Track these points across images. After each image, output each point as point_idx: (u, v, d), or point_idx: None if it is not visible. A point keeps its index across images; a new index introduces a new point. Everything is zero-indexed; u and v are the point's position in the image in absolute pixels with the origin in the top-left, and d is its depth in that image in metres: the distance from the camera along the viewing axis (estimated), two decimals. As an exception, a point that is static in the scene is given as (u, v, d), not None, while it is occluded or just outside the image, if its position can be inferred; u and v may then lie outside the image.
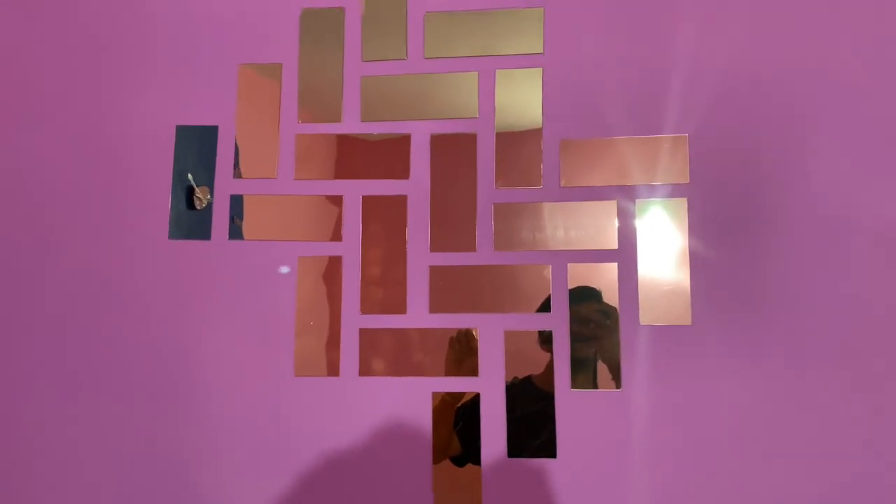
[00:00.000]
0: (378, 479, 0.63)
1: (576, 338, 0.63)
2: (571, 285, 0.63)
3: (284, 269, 0.65)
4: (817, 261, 0.61)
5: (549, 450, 0.62)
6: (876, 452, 0.59)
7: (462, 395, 0.63)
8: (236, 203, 0.67)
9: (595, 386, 0.62)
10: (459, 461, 0.63)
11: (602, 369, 0.62)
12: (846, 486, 0.59)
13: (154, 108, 0.69)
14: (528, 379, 0.63)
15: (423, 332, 0.65)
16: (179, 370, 0.66)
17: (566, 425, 0.62)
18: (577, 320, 0.63)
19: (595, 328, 0.63)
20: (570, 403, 0.62)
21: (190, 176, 0.67)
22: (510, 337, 0.64)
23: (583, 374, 0.62)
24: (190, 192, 0.68)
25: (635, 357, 0.62)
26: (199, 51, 0.70)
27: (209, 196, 0.67)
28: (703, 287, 0.62)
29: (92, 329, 0.67)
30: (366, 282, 0.66)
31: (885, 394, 0.59)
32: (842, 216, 0.61)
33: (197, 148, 0.68)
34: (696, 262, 0.62)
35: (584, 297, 0.63)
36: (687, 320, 0.62)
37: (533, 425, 0.62)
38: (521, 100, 0.66)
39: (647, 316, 0.62)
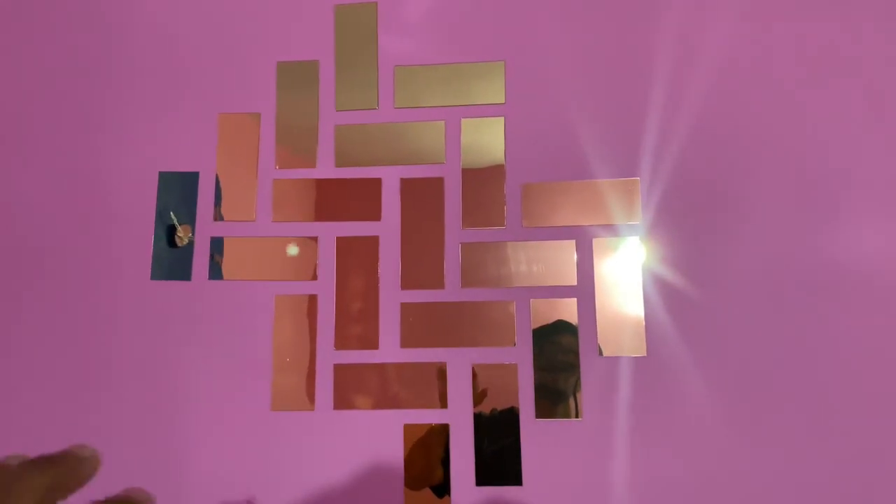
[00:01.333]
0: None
1: (539, 370, 0.66)
2: (535, 320, 0.67)
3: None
4: (767, 297, 0.65)
5: (516, 477, 0.65)
6: (841, 467, 0.63)
7: (433, 426, 0.66)
8: (217, 245, 0.71)
9: (558, 415, 0.65)
10: (431, 490, 0.65)
11: (564, 399, 0.66)
12: (814, 496, 0.63)
13: (137, 155, 0.73)
14: (495, 410, 0.66)
15: (395, 367, 0.68)
16: (159, 405, 0.68)
17: (531, 454, 0.65)
18: (540, 353, 0.66)
19: (557, 361, 0.66)
20: (534, 433, 0.65)
21: (172, 214, 0.71)
22: (478, 370, 0.67)
23: (546, 404, 0.66)
24: (171, 230, 0.71)
25: (595, 387, 0.65)
26: (181, 100, 0.74)
27: (190, 234, 0.70)
28: (656, 320, 0.66)
29: (73, 367, 0.69)
30: (340, 319, 0.69)
31: (846, 412, 0.63)
32: (794, 255, 0.66)
33: (179, 193, 0.72)
34: (650, 297, 0.66)
35: (548, 332, 0.67)
36: (642, 352, 0.66)
37: (500, 454, 0.65)
38: (485, 146, 0.70)
39: (605, 348, 0.66)
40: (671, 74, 0.69)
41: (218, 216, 0.71)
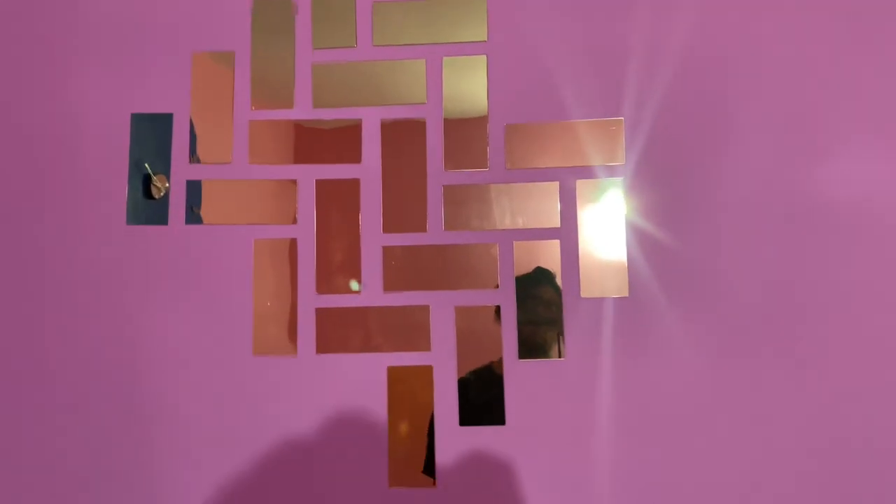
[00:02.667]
0: (336, 451, 0.66)
1: (522, 311, 0.66)
2: (518, 263, 0.67)
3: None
4: (749, 234, 0.65)
5: (499, 417, 0.65)
6: (820, 409, 0.64)
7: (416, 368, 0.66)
8: (193, 188, 0.69)
9: (541, 356, 0.66)
10: (415, 432, 0.66)
11: (547, 340, 0.66)
12: (792, 437, 0.64)
13: (109, 96, 0.70)
14: (478, 351, 0.66)
15: (378, 311, 0.67)
16: (139, 351, 0.68)
17: (514, 394, 0.66)
18: (523, 295, 0.66)
19: (540, 302, 0.66)
20: (517, 373, 0.66)
21: (147, 165, 0.69)
22: (461, 312, 0.67)
23: (529, 345, 0.66)
24: (147, 180, 0.69)
25: (577, 327, 0.66)
26: (153, 40, 0.71)
27: (166, 184, 0.69)
28: (639, 261, 0.66)
29: (48, 315, 0.68)
30: (321, 263, 0.68)
31: (825, 354, 0.64)
32: (775, 192, 0.66)
33: (153, 135, 0.70)
34: (633, 238, 0.66)
35: (530, 274, 0.67)
36: (625, 292, 0.66)
37: (483, 395, 0.66)
38: (468, 86, 0.69)
39: (587, 289, 0.66)
40: (658, 10, 0.68)
41: (194, 158, 0.69)
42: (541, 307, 0.66)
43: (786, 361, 0.64)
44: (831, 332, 0.64)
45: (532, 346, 0.66)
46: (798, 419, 0.64)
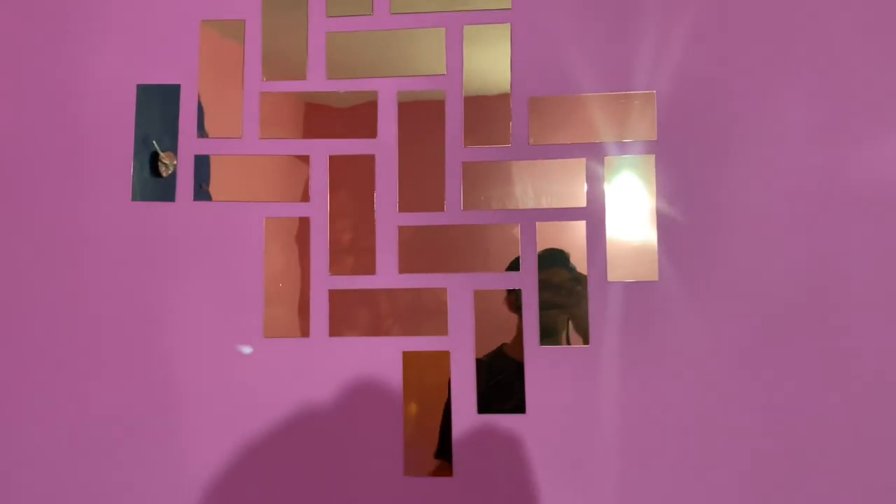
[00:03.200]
0: (349, 439, 0.63)
1: (544, 295, 0.63)
2: (541, 244, 0.63)
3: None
4: (781, 219, 0.62)
5: (519, 406, 0.63)
6: (844, 395, 0.61)
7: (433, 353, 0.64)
8: (201, 163, 0.66)
9: (564, 342, 0.63)
10: (431, 419, 0.63)
11: (570, 326, 0.63)
12: (814, 434, 0.60)
13: (114, 67, 0.67)
14: (498, 337, 0.63)
15: (393, 293, 0.65)
16: (148, 332, 0.65)
17: (535, 382, 0.63)
18: (545, 278, 0.63)
19: (563, 286, 0.63)
20: (539, 360, 0.63)
21: (154, 142, 0.66)
22: (480, 296, 0.64)
23: (552, 330, 0.63)
24: (154, 157, 0.66)
25: (603, 313, 0.62)
26: (160, 7, 0.67)
27: (174, 161, 0.66)
28: (669, 244, 0.62)
29: (56, 293, 0.66)
30: (334, 243, 0.65)
31: (852, 337, 0.61)
32: (810, 175, 0.62)
33: (159, 107, 0.67)
34: (663, 220, 0.63)
35: (553, 256, 0.63)
36: (654, 276, 0.62)
37: (502, 382, 0.63)
38: (490, 57, 0.65)
39: (614, 273, 0.62)
40: (694, -23, 0.63)
41: (202, 133, 0.66)
42: (564, 291, 0.63)
43: (817, 358, 0.61)
44: (863, 328, 0.60)
45: (554, 332, 0.63)
46: (825, 415, 0.60)
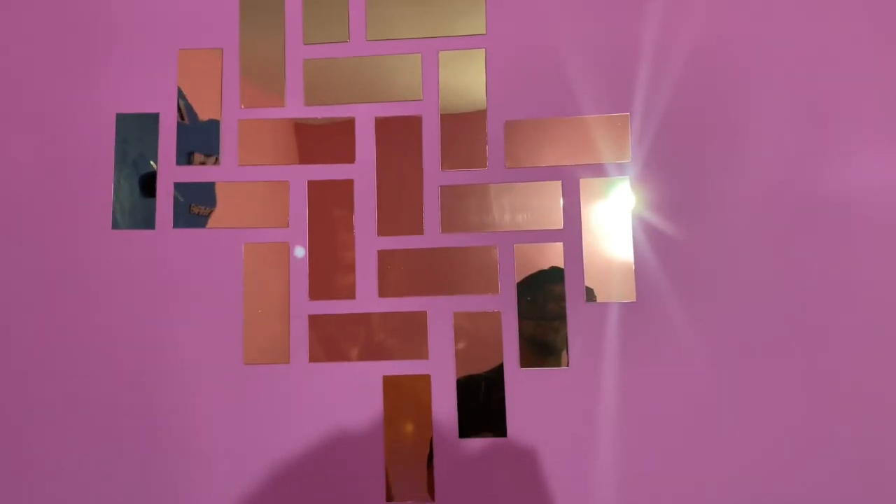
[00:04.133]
0: (330, 464, 0.63)
1: (524, 317, 0.63)
2: (519, 266, 0.64)
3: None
4: (760, 237, 0.62)
5: (500, 429, 0.62)
6: (830, 412, 0.61)
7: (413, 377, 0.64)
8: (182, 191, 0.66)
9: (544, 364, 0.63)
10: (413, 444, 0.63)
11: (550, 348, 0.63)
12: (799, 454, 0.60)
13: (94, 96, 0.68)
14: (478, 359, 0.63)
15: (373, 317, 0.65)
16: (124, 361, 0.65)
17: (516, 404, 0.63)
18: (525, 300, 0.63)
19: (542, 307, 0.63)
20: (519, 382, 0.63)
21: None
22: (460, 318, 0.64)
23: (532, 352, 0.63)
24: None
25: (582, 335, 0.63)
26: (139, 37, 0.68)
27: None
28: (646, 264, 0.63)
29: (34, 320, 0.66)
30: (314, 267, 0.65)
31: (836, 354, 0.61)
32: (785, 193, 0.62)
33: (138, 135, 0.67)
34: (640, 241, 0.63)
35: (532, 278, 0.63)
36: (632, 297, 0.62)
37: (483, 405, 0.63)
38: (466, 81, 0.66)
39: (593, 294, 0.63)
40: (665, 2, 0.64)
41: (181, 160, 0.67)
42: (543, 313, 0.63)
43: (798, 370, 0.61)
44: (845, 338, 0.61)
45: (534, 354, 0.63)
46: (809, 429, 0.60)
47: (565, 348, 0.62)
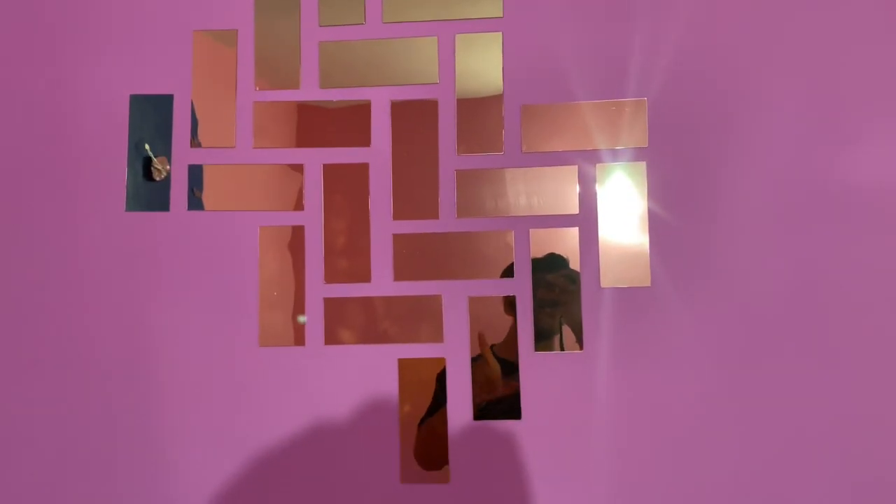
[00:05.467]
0: (346, 446, 0.63)
1: (539, 301, 0.63)
2: (534, 251, 0.64)
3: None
4: (773, 223, 0.62)
5: (514, 412, 0.63)
6: (835, 398, 0.61)
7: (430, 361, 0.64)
8: (195, 173, 0.66)
9: (558, 348, 0.63)
10: (428, 426, 0.63)
11: (565, 332, 0.63)
12: (806, 437, 0.61)
13: (107, 77, 0.67)
14: (493, 343, 0.64)
15: (388, 300, 0.65)
16: (143, 342, 0.65)
17: (530, 387, 0.63)
18: (539, 284, 0.64)
19: (557, 292, 0.63)
20: (533, 366, 0.63)
21: (147, 146, 0.66)
22: (474, 302, 0.64)
23: (546, 336, 0.63)
24: (147, 162, 0.66)
25: (597, 319, 0.63)
26: (152, 18, 0.68)
27: (168, 166, 0.66)
28: (661, 249, 0.63)
29: (50, 302, 0.66)
30: (329, 251, 0.65)
31: (843, 342, 0.61)
32: (800, 180, 0.63)
33: (152, 117, 0.67)
34: (655, 225, 0.63)
35: (547, 262, 0.64)
36: (646, 282, 0.63)
37: (498, 388, 0.63)
38: (482, 65, 0.65)
39: (607, 278, 0.63)
40: (683, -15, 0.64)
41: (195, 142, 0.66)
42: (558, 297, 0.63)
43: (810, 360, 0.61)
44: (856, 328, 0.61)
45: (548, 338, 0.63)
46: (819, 418, 0.61)
47: (580, 332, 0.63)
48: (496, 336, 0.63)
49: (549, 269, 0.64)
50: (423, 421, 0.63)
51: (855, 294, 0.61)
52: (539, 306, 0.63)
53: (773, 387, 0.61)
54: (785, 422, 0.61)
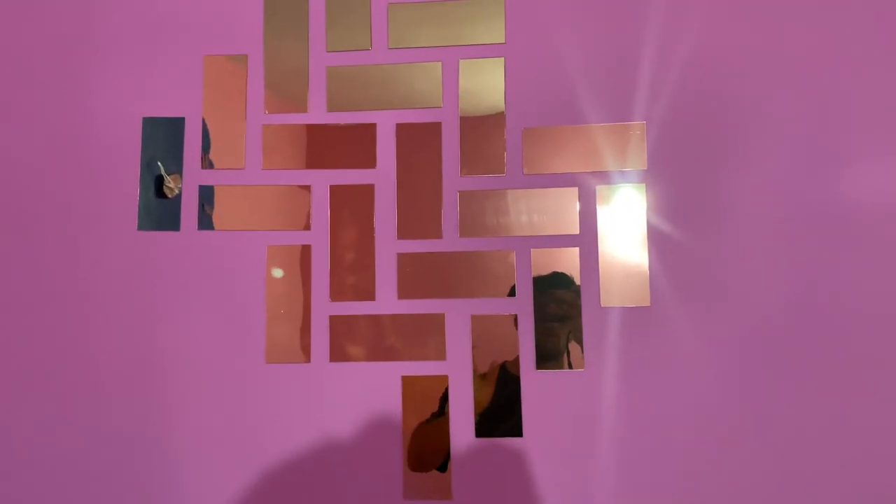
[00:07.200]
0: (350, 462, 0.64)
1: (540, 320, 0.65)
2: (535, 270, 0.65)
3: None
4: (772, 244, 0.63)
5: (516, 429, 0.64)
6: (838, 417, 0.62)
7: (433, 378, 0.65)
8: (206, 193, 0.68)
9: (559, 366, 0.64)
10: (430, 443, 0.64)
11: (565, 351, 0.64)
12: (808, 458, 0.62)
13: (120, 100, 0.69)
14: (495, 361, 0.65)
15: (393, 318, 0.66)
16: (151, 359, 0.67)
17: (532, 405, 0.64)
18: (541, 303, 0.65)
19: (558, 311, 0.65)
20: (535, 384, 0.64)
21: (160, 164, 0.68)
22: (477, 321, 0.65)
23: (547, 355, 0.64)
24: (159, 180, 0.68)
25: (597, 338, 0.64)
26: (165, 42, 0.70)
27: (180, 184, 0.68)
28: (661, 269, 0.64)
29: (62, 319, 0.67)
30: (335, 269, 0.67)
31: (845, 362, 0.62)
32: (798, 201, 0.64)
33: (164, 139, 0.69)
34: (655, 246, 0.64)
35: (549, 282, 0.65)
36: (646, 302, 0.64)
37: (500, 406, 0.64)
38: (484, 89, 0.67)
39: (607, 298, 0.64)
40: (677, 13, 0.66)
41: (206, 164, 0.68)
42: (559, 316, 0.64)
43: (810, 377, 0.62)
44: (858, 347, 0.62)
45: (550, 356, 0.64)
46: (825, 436, 0.62)
47: (581, 351, 0.64)
48: (499, 354, 0.65)
49: (551, 289, 0.65)
50: (425, 438, 0.64)
51: (858, 310, 0.62)
52: (540, 325, 0.64)
53: (774, 404, 0.62)
54: (788, 440, 0.62)
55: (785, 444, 0.62)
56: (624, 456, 0.63)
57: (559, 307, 0.65)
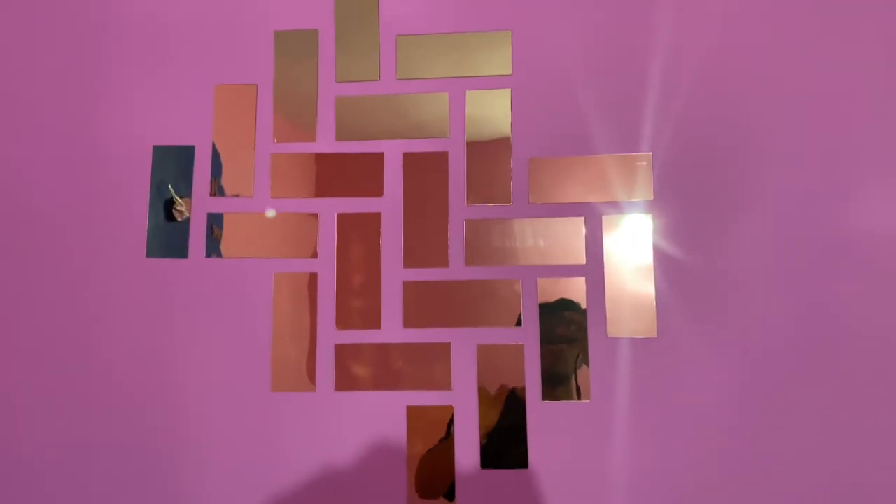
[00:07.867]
0: (355, 491, 0.64)
1: (546, 350, 0.64)
2: (542, 300, 0.65)
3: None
4: (779, 275, 0.63)
5: (521, 460, 0.63)
6: (849, 451, 0.61)
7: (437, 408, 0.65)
8: (214, 221, 0.68)
9: (566, 397, 0.64)
10: (435, 473, 0.64)
11: (571, 381, 0.64)
12: (821, 485, 0.61)
13: (131, 128, 0.70)
14: (500, 391, 0.64)
15: (398, 347, 0.66)
16: (157, 387, 0.67)
17: (537, 436, 0.64)
18: (547, 333, 0.65)
19: (565, 341, 0.64)
20: (541, 415, 0.64)
21: (170, 186, 0.68)
22: (483, 350, 0.65)
23: (553, 385, 0.64)
24: (169, 203, 0.69)
25: (604, 368, 0.64)
26: (176, 72, 0.71)
27: (189, 208, 0.68)
28: (668, 300, 0.64)
29: (67, 348, 0.68)
30: (341, 298, 0.67)
31: (854, 393, 0.61)
32: (804, 228, 0.64)
33: (174, 167, 0.69)
34: (661, 276, 0.64)
35: (555, 311, 0.65)
36: (653, 332, 0.64)
37: (505, 437, 0.64)
38: (491, 119, 0.68)
39: (614, 328, 0.64)
40: (685, 46, 0.66)
41: (215, 191, 0.69)
42: (565, 347, 0.64)
43: (820, 409, 0.62)
44: (872, 374, 0.61)
45: (556, 387, 0.64)
46: (833, 469, 0.61)
47: (586, 382, 0.64)
48: (504, 384, 0.64)
49: (557, 319, 0.65)
50: (430, 468, 0.64)
51: (870, 337, 0.62)
52: (546, 355, 0.64)
53: (788, 437, 0.61)
54: (805, 474, 0.61)
55: (801, 480, 0.61)
56: (631, 489, 0.62)
57: (565, 337, 0.64)
